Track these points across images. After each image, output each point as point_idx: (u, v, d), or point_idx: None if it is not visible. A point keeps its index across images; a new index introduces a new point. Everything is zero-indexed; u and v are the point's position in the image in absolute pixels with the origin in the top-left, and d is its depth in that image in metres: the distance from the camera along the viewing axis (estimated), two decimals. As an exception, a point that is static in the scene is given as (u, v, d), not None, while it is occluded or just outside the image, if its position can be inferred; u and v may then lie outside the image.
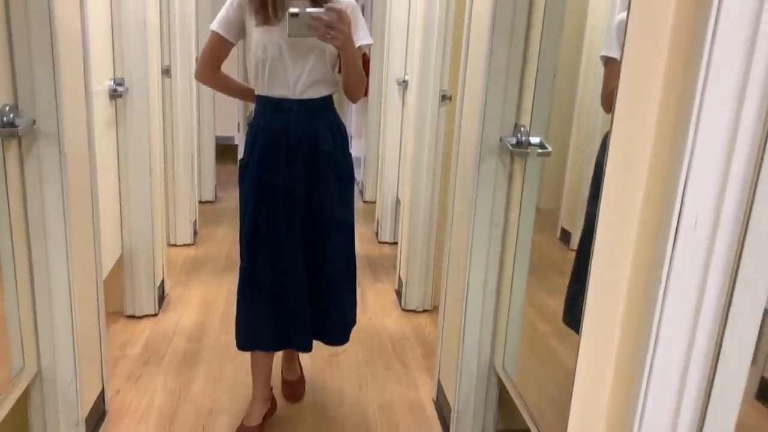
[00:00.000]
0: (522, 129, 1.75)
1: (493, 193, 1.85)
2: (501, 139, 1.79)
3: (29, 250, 1.74)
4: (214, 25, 1.94)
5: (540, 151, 1.69)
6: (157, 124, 2.88)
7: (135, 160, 2.72)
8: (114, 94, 2.54)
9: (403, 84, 3.74)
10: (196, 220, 4.10)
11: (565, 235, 4.53)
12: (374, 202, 4.64)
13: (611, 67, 1.46)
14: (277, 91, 1.92)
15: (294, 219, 1.96)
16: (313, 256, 2.02)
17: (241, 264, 2.01)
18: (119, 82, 2.57)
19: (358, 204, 5.06)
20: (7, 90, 1.59)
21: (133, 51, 2.60)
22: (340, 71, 1.98)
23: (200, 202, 4.54)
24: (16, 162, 1.65)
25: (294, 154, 1.94)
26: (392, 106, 4.00)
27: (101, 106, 2.46)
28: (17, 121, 1.57)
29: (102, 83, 2.48)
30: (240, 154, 2.32)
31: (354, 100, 2.06)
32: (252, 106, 2.07)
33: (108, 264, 2.62)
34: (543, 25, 1.65)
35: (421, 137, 2.98)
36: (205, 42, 2.00)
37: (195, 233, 4.05)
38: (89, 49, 1.88)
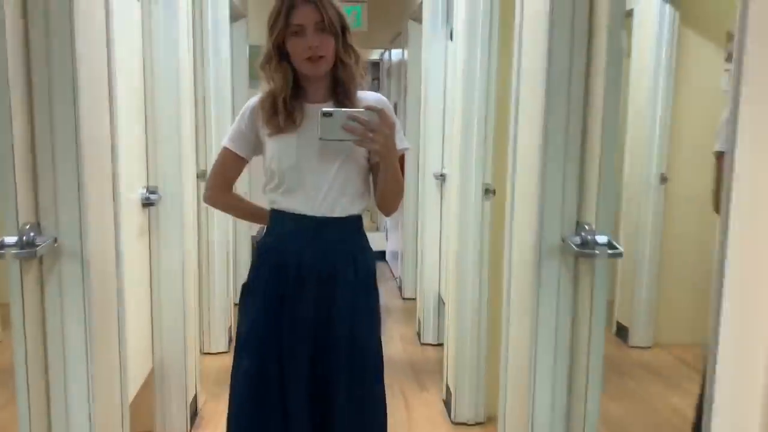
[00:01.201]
0: (586, 227, 1.57)
1: (557, 299, 1.66)
2: (563, 240, 1.61)
3: (47, 380, 1.58)
4: (226, 141, 1.75)
5: (610, 252, 1.50)
6: (191, 230, 2.79)
7: (167, 270, 2.61)
8: (147, 203, 2.46)
9: (441, 178, 3.63)
10: (231, 326, 3.94)
11: (622, 331, 4.23)
12: (414, 299, 4.44)
13: (723, 161, 1.29)
14: (295, 206, 1.67)
15: (299, 380, 1.67)
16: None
17: (229, 410, 1.74)
18: (152, 191, 2.50)
19: (396, 302, 4.87)
20: (29, 207, 1.49)
21: (167, 159, 2.54)
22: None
23: (236, 304, 4.40)
24: (35, 283, 1.53)
25: (302, 287, 1.66)
26: (430, 200, 3.88)
27: (133, 215, 2.37)
28: (38, 240, 1.46)
29: (134, 191, 2.41)
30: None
31: (389, 213, 1.79)
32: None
33: (138, 380, 2.45)
34: (604, 110, 1.51)
35: (464, 233, 2.82)
36: (215, 159, 1.81)
37: (230, 340, 3.88)
38: (119, 161, 1.79)
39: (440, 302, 3.83)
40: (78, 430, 1.62)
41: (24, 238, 1.43)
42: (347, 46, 1.66)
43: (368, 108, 1.57)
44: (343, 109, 1.57)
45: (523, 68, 1.86)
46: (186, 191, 2.66)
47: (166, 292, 2.62)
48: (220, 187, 1.81)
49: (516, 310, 1.90)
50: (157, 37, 2.47)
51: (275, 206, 1.71)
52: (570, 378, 1.71)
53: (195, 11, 3.33)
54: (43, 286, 1.55)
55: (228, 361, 3.62)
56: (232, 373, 1.76)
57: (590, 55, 1.59)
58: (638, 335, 3.88)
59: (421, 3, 3.76)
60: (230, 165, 1.76)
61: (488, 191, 2.74)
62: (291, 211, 1.67)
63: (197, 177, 3.27)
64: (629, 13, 3.83)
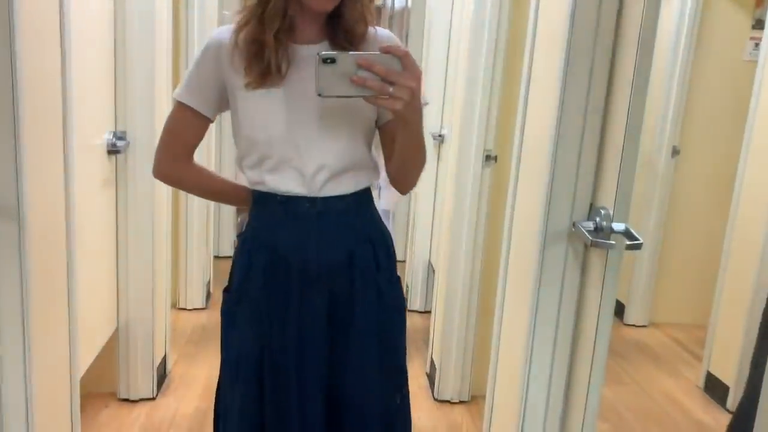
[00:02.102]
0: (602, 212, 1.36)
1: (560, 290, 1.46)
2: (574, 225, 1.41)
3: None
4: (179, 92, 1.29)
5: (628, 242, 1.30)
6: (164, 180, 2.56)
7: (135, 221, 2.39)
8: (113, 150, 2.23)
9: (439, 138, 3.40)
10: (210, 281, 3.76)
11: (618, 308, 4.07)
12: (403, 261, 4.26)
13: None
14: (286, 186, 1.26)
15: (309, 405, 1.29)
16: None
17: None
18: (120, 136, 2.27)
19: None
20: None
21: (138, 102, 2.30)
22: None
23: (217, 257, 4.21)
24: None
25: (311, 290, 1.28)
26: (427, 159, 3.65)
27: (96, 163, 2.15)
28: (-38, 195, 1.24)
29: (99, 137, 2.18)
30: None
31: (406, 190, 1.42)
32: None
33: (98, 341, 2.27)
34: (634, 78, 1.28)
35: (461, 200, 2.61)
36: (166, 118, 1.33)
37: (208, 295, 3.70)
38: (71, 104, 1.56)
39: (430, 268, 3.65)
40: (14, 408, 1.44)
41: (-55, 191, 1.22)
42: None
43: (385, 50, 1.09)
44: (350, 53, 1.11)
45: (540, 22, 1.62)
46: (159, 137, 2.42)
47: (134, 246, 2.42)
48: (174, 156, 1.34)
49: (512, 296, 1.71)
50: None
51: (259, 188, 1.29)
52: (570, 370, 1.54)
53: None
54: (-29, 247, 1.34)
55: (204, 318, 3.48)
56: (217, 406, 1.39)
57: (620, 15, 1.36)
58: (634, 313, 3.73)
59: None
60: (187, 126, 1.30)
61: (489, 157, 2.53)
62: (283, 193, 1.27)
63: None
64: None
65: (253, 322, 1.29)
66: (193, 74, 1.28)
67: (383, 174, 1.41)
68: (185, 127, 1.31)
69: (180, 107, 1.29)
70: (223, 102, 1.29)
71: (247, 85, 1.21)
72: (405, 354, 1.43)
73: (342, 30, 1.22)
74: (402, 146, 1.26)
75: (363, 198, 1.34)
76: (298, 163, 1.25)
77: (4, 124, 1.29)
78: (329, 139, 1.25)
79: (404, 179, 1.37)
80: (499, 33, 2.42)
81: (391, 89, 1.08)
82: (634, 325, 3.73)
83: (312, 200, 1.26)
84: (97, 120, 2.15)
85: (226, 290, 1.36)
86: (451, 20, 3.26)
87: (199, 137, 1.34)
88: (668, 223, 3.65)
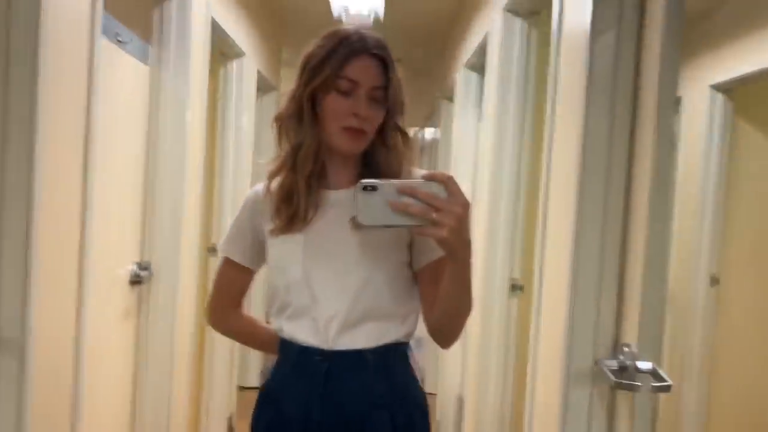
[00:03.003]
0: (625, 350, 1.27)
1: (588, 435, 1.34)
2: (596, 363, 1.31)
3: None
4: (221, 245, 1.34)
5: (655, 384, 1.20)
6: (187, 312, 2.55)
7: (155, 353, 2.36)
8: (135, 280, 2.25)
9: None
10: (232, 415, 3.63)
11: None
12: (434, 394, 4.08)
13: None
14: (301, 335, 1.20)
15: None
16: None
17: None
18: (144, 266, 2.29)
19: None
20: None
21: (164, 233, 2.34)
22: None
23: (243, 388, 4.10)
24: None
25: None
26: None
27: (118, 293, 2.16)
28: (-35, 330, 1.23)
29: (123, 268, 2.20)
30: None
31: (448, 344, 1.24)
32: None
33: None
34: (649, 213, 1.24)
35: (487, 332, 2.52)
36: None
37: (230, 430, 3.56)
38: (89, 235, 1.59)
39: (461, 402, 3.48)
40: None
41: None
42: (397, 128, 1.23)
43: (428, 177, 1.02)
44: (392, 180, 1.04)
45: (556, 156, 1.62)
46: (184, 268, 2.44)
47: (153, 379, 2.37)
48: (222, 306, 1.36)
49: (539, 439, 1.59)
50: (164, 104, 2.32)
51: (282, 334, 1.25)
52: None
53: (218, 81, 3.23)
54: (-29, 383, 1.31)
55: (224, 454, 3.32)
56: None
57: (633, 145, 1.34)
58: (686, 457, 3.43)
59: (455, 82, 3.61)
60: (231, 277, 1.33)
61: (515, 287, 2.46)
62: (299, 343, 1.21)
63: (207, 251, 3.08)
64: (677, 101, 3.60)
65: None
66: (233, 227, 1.32)
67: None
68: (229, 279, 1.34)
69: (224, 260, 1.33)
70: (263, 252, 1.29)
71: (272, 231, 1.22)
72: None
73: (376, 174, 1.17)
74: (447, 287, 1.12)
75: (388, 354, 1.21)
76: (313, 311, 1.19)
77: (16, 249, 1.30)
78: (345, 285, 1.18)
79: (448, 330, 1.21)
80: (520, 161, 2.44)
81: (435, 215, 0.99)
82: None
83: (324, 353, 1.18)
84: (122, 250, 2.19)
85: None
86: (476, 149, 3.33)
87: (244, 288, 1.35)
88: (716, 359, 3.43)
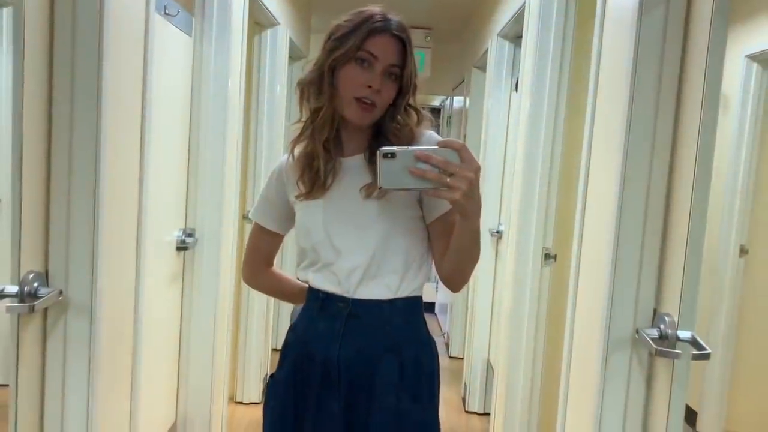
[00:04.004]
0: (666, 318, 1.32)
1: (625, 401, 1.40)
2: (637, 332, 1.37)
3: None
4: (252, 212, 1.48)
5: (695, 352, 1.25)
6: (228, 275, 2.65)
7: (198, 316, 2.46)
8: (181, 246, 2.33)
9: (497, 234, 3.40)
10: (267, 374, 3.76)
11: (690, 415, 3.82)
12: (461, 358, 4.17)
13: None
14: (325, 285, 1.33)
15: None
16: None
17: None
18: (189, 233, 2.38)
19: (443, 360, 4.59)
20: (36, 254, 1.35)
21: (207, 201, 2.42)
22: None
23: (276, 350, 4.23)
24: (35, 339, 1.38)
25: (328, 394, 1.30)
26: (484, 256, 3.64)
27: (166, 259, 2.25)
28: (41, 292, 1.32)
29: (170, 234, 2.29)
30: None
31: (458, 287, 1.37)
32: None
33: (157, 435, 2.29)
34: (694, 183, 1.27)
35: (519, 299, 2.58)
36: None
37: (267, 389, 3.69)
38: (146, 205, 1.66)
39: (489, 367, 3.56)
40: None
41: (26, 288, 1.29)
42: (409, 106, 1.32)
43: (443, 144, 1.13)
44: (410, 147, 1.14)
45: (598, 126, 1.64)
46: (225, 235, 2.52)
47: (196, 339, 2.48)
48: (253, 264, 1.52)
49: (575, 403, 1.65)
50: (206, 75, 2.38)
51: (310, 284, 1.38)
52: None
53: (252, 50, 3.27)
54: (45, 342, 1.40)
55: (260, 413, 3.46)
56: None
57: (678, 118, 1.37)
58: (708, 422, 3.49)
59: (486, 51, 3.60)
60: (261, 240, 1.48)
61: (549, 256, 2.51)
62: (323, 290, 1.34)
63: (243, 218, 3.16)
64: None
65: (276, 414, 1.36)
66: (262, 197, 1.45)
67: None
68: (260, 242, 1.50)
69: (255, 224, 1.48)
70: (291, 217, 1.41)
71: (297, 197, 1.34)
72: None
73: (385, 142, 1.28)
74: (458, 240, 1.25)
75: (406, 306, 1.33)
76: (337, 265, 1.31)
77: (84, 221, 1.38)
78: (364, 241, 1.30)
79: (459, 277, 1.34)
80: (555, 132, 2.46)
81: (448, 179, 1.11)
82: (709, 435, 3.48)
83: (346, 300, 1.31)
84: (170, 217, 2.27)
85: (271, 376, 1.42)
86: (508, 120, 3.34)
87: (274, 249, 1.51)
88: (742, 325, 3.46)
